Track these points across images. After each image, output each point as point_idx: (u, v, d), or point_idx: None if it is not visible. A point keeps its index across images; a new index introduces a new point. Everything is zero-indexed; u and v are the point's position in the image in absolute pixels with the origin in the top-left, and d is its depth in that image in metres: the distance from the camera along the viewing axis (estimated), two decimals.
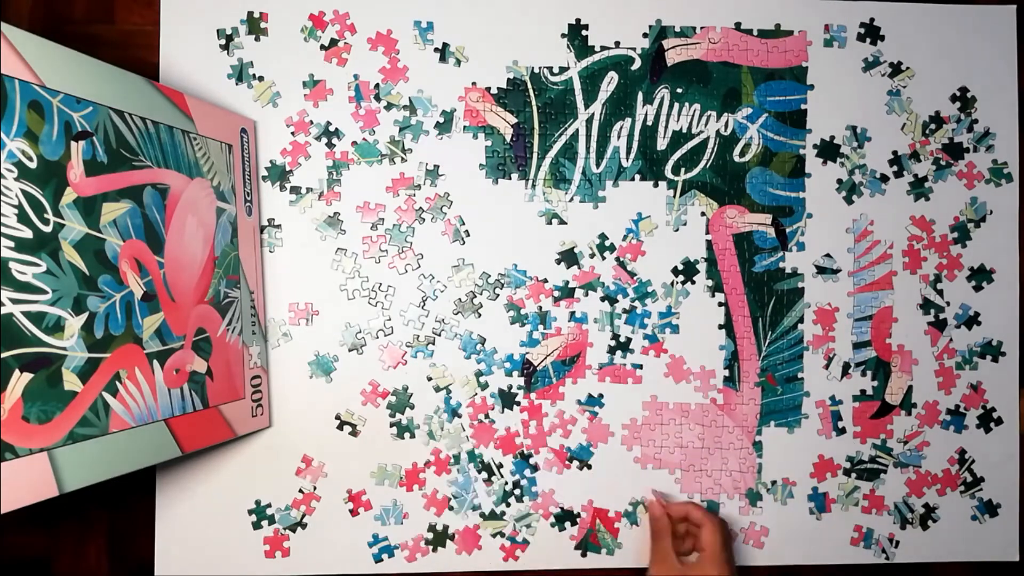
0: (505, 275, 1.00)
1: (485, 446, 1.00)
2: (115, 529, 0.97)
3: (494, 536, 1.00)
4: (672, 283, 1.02)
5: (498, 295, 1.00)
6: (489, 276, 1.00)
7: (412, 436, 0.99)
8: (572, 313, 1.01)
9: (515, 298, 1.00)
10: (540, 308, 1.00)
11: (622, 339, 1.01)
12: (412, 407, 0.99)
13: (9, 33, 0.62)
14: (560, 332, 1.01)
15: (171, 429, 0.79)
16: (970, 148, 1.05)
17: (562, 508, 1.00)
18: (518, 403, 1.00)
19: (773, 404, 1.02)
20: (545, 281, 1.01)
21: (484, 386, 1.00)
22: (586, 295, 1.01)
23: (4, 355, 0.60)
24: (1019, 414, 1.04)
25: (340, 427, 0.99)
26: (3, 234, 0.61)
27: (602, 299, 1.01)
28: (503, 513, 1.00)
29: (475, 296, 1.00)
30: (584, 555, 1.00)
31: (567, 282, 1.01)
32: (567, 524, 1.00)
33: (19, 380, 0.61)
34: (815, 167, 1.03)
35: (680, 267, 1.02)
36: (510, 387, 1.00)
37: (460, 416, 0.99)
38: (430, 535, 0.99)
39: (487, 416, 1.00)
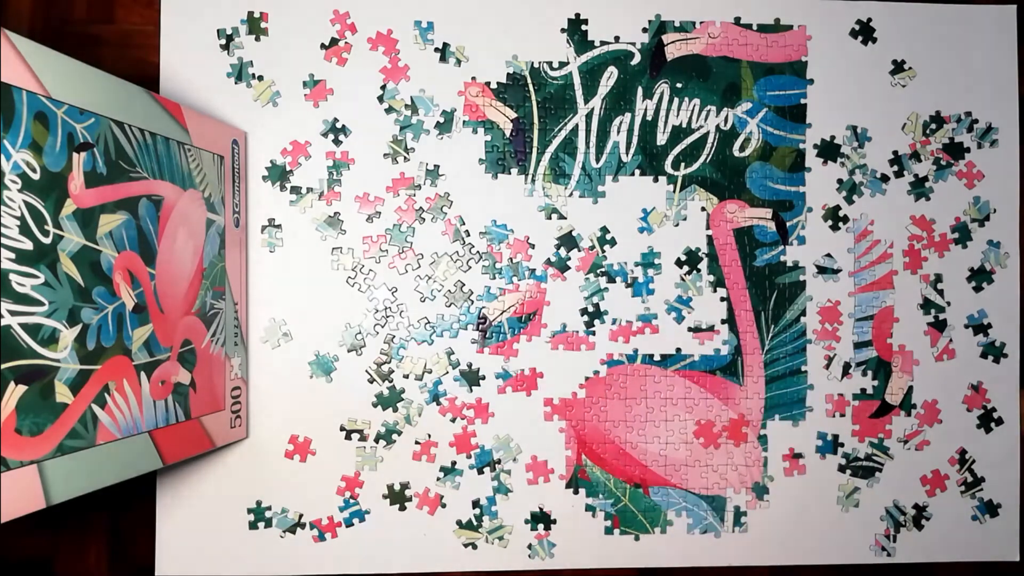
0: (487, 232, 1.01)
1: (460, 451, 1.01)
2: (116, 530, 0.97)
3: (466, 547, 1.01)
4: (682, 276, 1.02)
5: (481, 256, 1.01)
6: (471, 237, 1.01)
7: (400, 435, 1.00)
8: (532, 271, 1.01)
9: (495, 250, 1.01)
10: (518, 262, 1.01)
11: (590, 309, 1.02)
12: (398, 403, 1.00)
13: (19, 44, 0.62)
14: (518, 289, 1.01)
15: (154, 441, 0.79)
16: (970, 148, 1.04)
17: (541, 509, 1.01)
18: (483, 377, 1.00)
19: (778, 398, 1.03)
20: (533, 246, 1.01)
21: (455, 364, 1.00)
22: (594, 275, 1.01)
23: (2, 367, 0.60)
24: (1020, 414, 1.04)
25: (348, 436, 0.99)
26: (5, 246, 0.61)
27: (600, 274, 1.01)
28: (479, 525, 1.01)
29: (461, 260, 1.00)
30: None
31: (567, 258, 1.01)
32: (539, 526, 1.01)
33: (14, 392, 0.61)
34: (815, 167, 1.03)
35: (683, 258, 1.02)
36: (471, 365, 1.00)
37: (440, 403, 1.00)
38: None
39: (454, 420, 1.00)
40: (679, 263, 1.02)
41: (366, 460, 0.99)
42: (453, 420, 1.00)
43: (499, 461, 1.00)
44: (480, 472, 1.00)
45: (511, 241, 1.01)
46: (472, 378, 1.00)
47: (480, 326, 1.00)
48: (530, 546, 1.00)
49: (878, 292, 1.03)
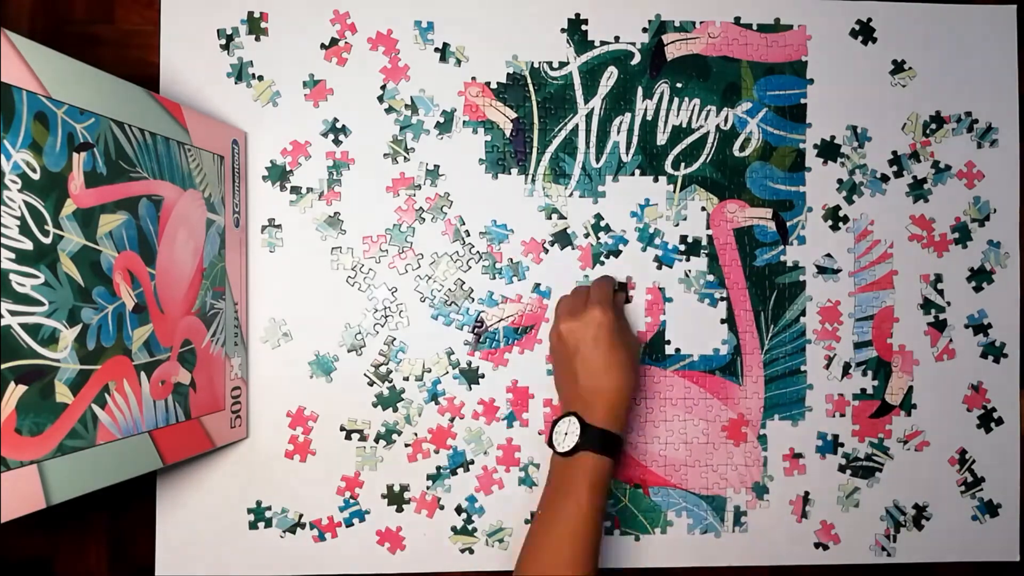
0: (487, 232, 1.01)
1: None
2: (116, 530, 0.97)
3: (463, 552, 1.01)
4: (688, 272, 1.02)
5: (481, 256, 1.01)
6: (472, 241, 1.01)
7: (400, 435, 0.99)
8: (537, 285, 1.01)
9: (495, 250, 1.01)
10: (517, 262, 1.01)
11: None
12: (398, 403, 1.00)
13: (19, 44, 0.62)
14: (520, 300, 1.01)
15: (154, 441, 0.79)
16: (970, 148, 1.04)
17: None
18: (482, 376, 1.00)
19: (777, 398, 1.03)
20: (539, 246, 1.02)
21: (455, 364, 1.00)
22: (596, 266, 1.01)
23: (2, 367, 0.60)
24: (1020, 414, 1.04)
25: (348, 436, 0.99)
26: (5, 246, 0.61)
27: (603, 259, 1.02)
28: (474, 529, 1.01)
29: (461, 261, 1.00)
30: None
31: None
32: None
33: (14, 392, 0.61)
34: (816, 167, 1.03)
35: (683, 247, 1.02)
36: (470, 364, 1.00)
37: (439, 403, 1.00)
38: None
39: (453, 419, 1.00)
40: (679, 251, 1.02)
41: (366, 460, 0.99)
42: (452, 420, 1.00)
43: (484, 453, 1.00)
44: (466, 470, 1.00)
45: (511, 241, 1.01)
46: (471, 376, 1.00)
47: (475, 329, 1.00)
48: None
49: (878, 292, 1.03)
